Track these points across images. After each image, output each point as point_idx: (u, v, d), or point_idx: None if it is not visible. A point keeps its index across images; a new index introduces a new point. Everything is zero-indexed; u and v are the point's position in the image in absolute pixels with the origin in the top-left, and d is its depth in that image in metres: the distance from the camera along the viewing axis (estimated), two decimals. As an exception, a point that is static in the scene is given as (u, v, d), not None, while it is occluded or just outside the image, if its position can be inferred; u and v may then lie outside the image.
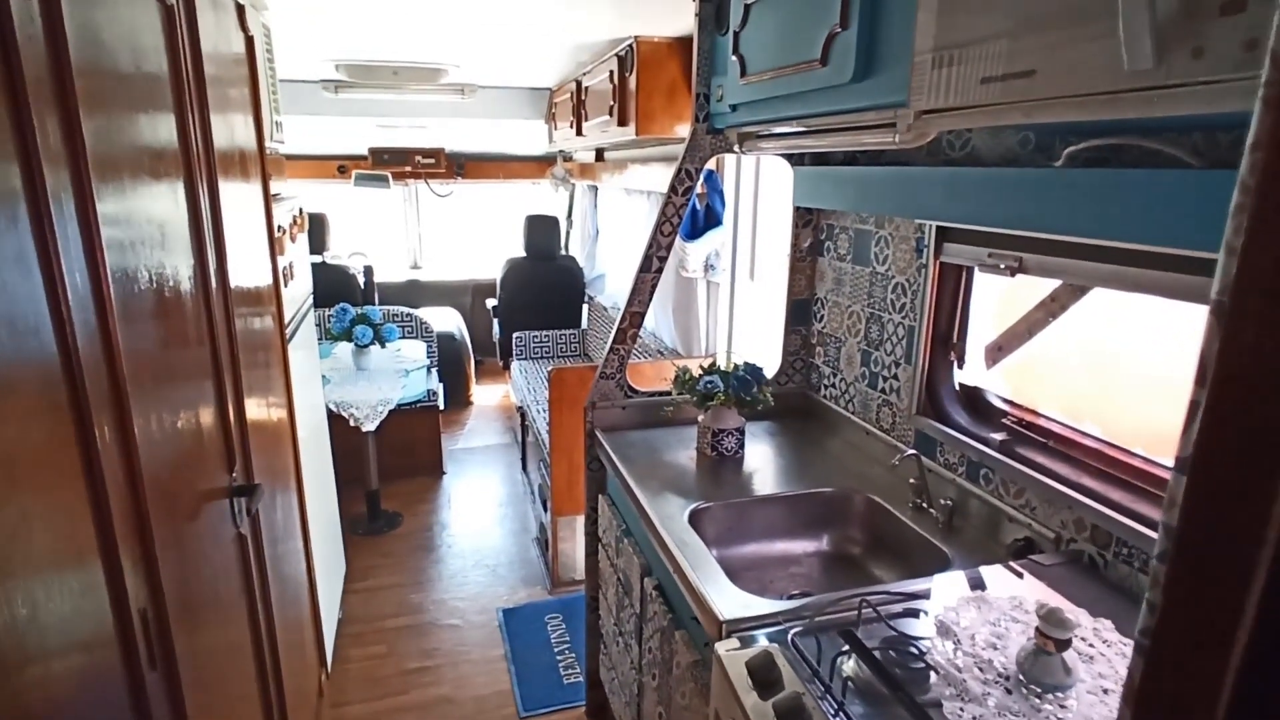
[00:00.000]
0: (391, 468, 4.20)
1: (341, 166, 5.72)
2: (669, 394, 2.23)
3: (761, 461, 2.06)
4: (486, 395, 6.04)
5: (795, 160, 2.13)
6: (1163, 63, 0.76)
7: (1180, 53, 0.75)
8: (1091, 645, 1.11)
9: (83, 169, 0.87)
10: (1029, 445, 1.55)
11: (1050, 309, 1.52)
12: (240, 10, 1.75)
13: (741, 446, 2.05)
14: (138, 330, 1.03)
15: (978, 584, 1.33)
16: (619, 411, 2.25)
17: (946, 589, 1.31)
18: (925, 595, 1.30)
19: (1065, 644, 1.00)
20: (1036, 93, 0.94)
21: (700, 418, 2.06)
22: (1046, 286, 1.51)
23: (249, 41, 1.81)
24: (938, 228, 1.71)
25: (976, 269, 1.67)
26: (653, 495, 1.80)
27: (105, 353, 0.91)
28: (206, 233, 1.33)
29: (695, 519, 1.72)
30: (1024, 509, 1.51)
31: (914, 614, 1.26)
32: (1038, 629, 1.01)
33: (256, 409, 1.71)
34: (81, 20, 0.90)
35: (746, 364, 2.05)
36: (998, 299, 1.72)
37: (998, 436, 1.60)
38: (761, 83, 1.71)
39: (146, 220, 1.07)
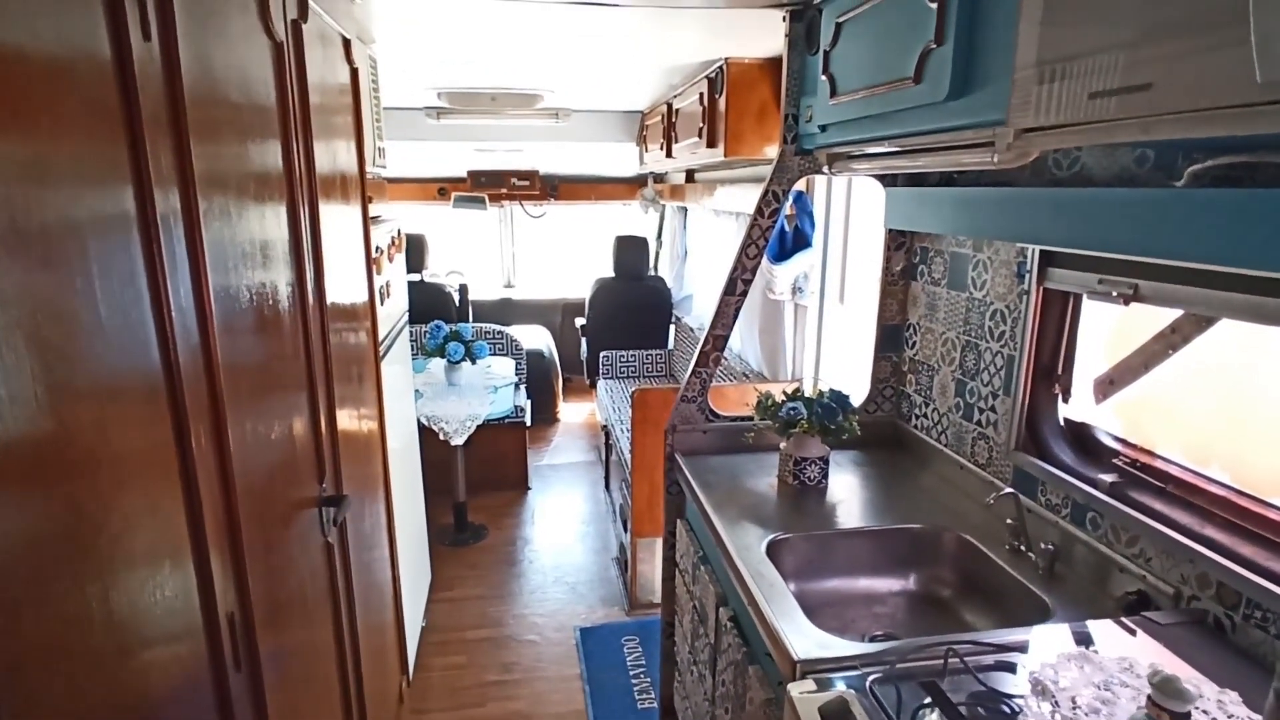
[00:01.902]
0: (479, 481, 4.30)
1: (442, 189, 5.97)
2: (751, 419, 2.18)
3: (846, 492, 1.98)
4: (573, 413, 6.12)
5: (888, 181, 2.06)
6: (1303, 72, 0.68)
7: (1325, 60, 0.66)
8: None
9: (191, 193, 0.92)
10: (1144, 489, 1.42)
11: (1170, 341, 1.39)
12: (346, 44, 1.85)
13: (825, 476, 1.98)
14: (237, 344, 1.08)
15: (1083, 639, 1.22)
16: (700, 435, 2.22)
17: (1046, 643, 1.21)
18: (1021, 648, 1.20)
19: (1183, 718, 0.89)
20: (1154, 108, 0.86)
21: (782, 445, 2.00)
22: (1166, 316, 1.38)
23: (354, 73, 1.91)
24: (1042, 252, 1.60)
25: (1085, 296, 1.55)
26: (730, 523, 1.76)
27: (205, 365, 0.97)
28: (306, 253, 1.40)
29: (773, 550, 1.66)
30: (1138, 559, 1.38)
31: (1007, 668, 1.17)
32: (1150, 697, 0.91)
33: (348, 422, 1.78)
34: (197, 56, 0.96)
35: (832, 391, 1.98)
36: (1109, 328, 1.60)
37: (1108, 478, 1.47)
38: (852, 102, 1.66)
39: (249, 241, 1.14)
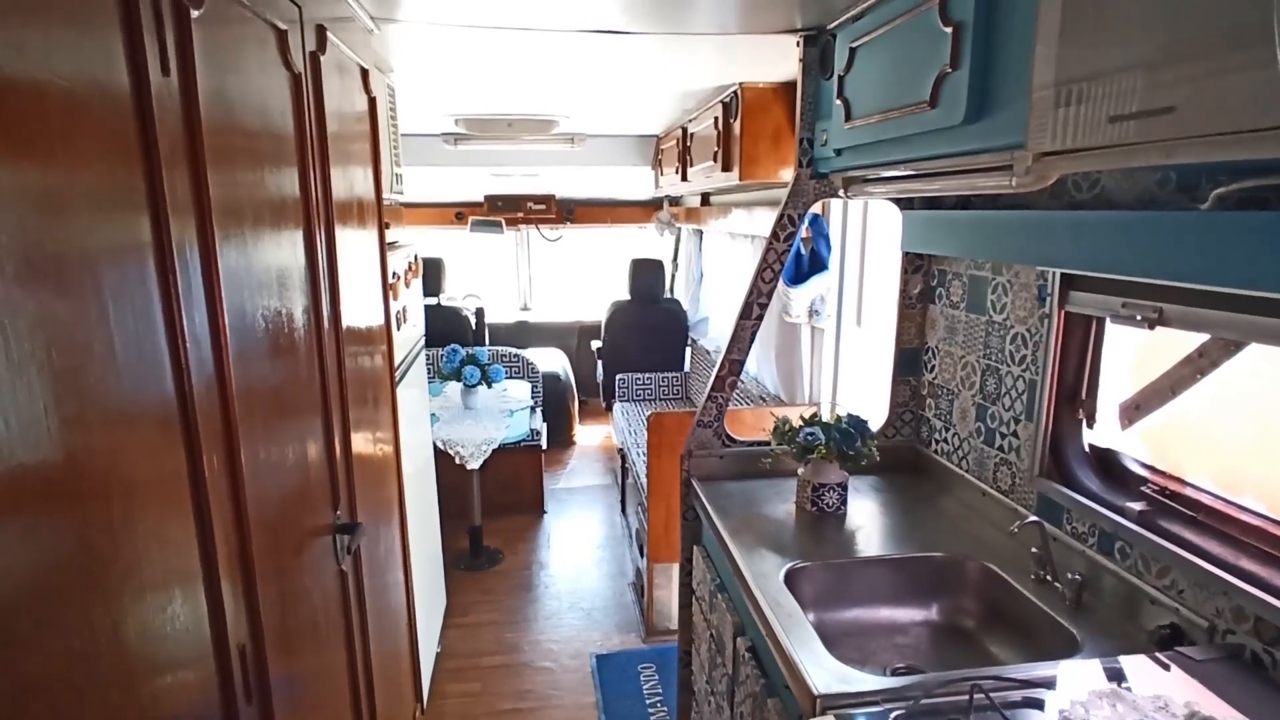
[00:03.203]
0: (494, 504, 4.29)
1: (459, 213, 6.03)
2: (768, 444, 2.15)
3: (865, 519, 1.94)
4: (589, 435, 6.10)
5: (904, 204, 2.04)
6: (1333, 94, 0.66)
7: (1356, 82, 0.65)
8: (1256, 762, 0.95)
9: (207, 222, 0.93)
10: (1174, 518, 1.38)
11: (1198, 365, 1.36)
12: (364, 74, 1.88)
13: (844, 502, 1.95)
14: (252, 372, 1.08)
15: (1115, 675, 1.18)
16: (716, 461, 2.19)
17: (1076, 678, 1.17)
18: (1050, 684, 1.16)
19: (1222, 760, 0.86)
20: (1177, 131, 0.84)
21: (800, 470, 1.98)
22: (1194, 339, 1.35)
23: (371, 102, 1.94)
24: (1063, 275, 1.58)
25: (1108, 320, 1.52)
26: (747, 550, 1.73)
27: (219, 394, 0.97)
28: (322, 280, 1.41)
29: (792, 578, 1.63)
30: (1169, 591, 1.34)
31: (1035, 705, 1.13)
32: (1187, 739, 0.87)
33: (363, 447, 1.78)
34: (215, 89, 0.98)
35: (850, 415, 1.95)
36: (1134, 352, 1.56)
37: (1136, 506, 1.43)
38: (867, 126, 1.66)
39: (264, 268, 1.14)
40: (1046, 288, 1.63)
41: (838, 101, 1.78)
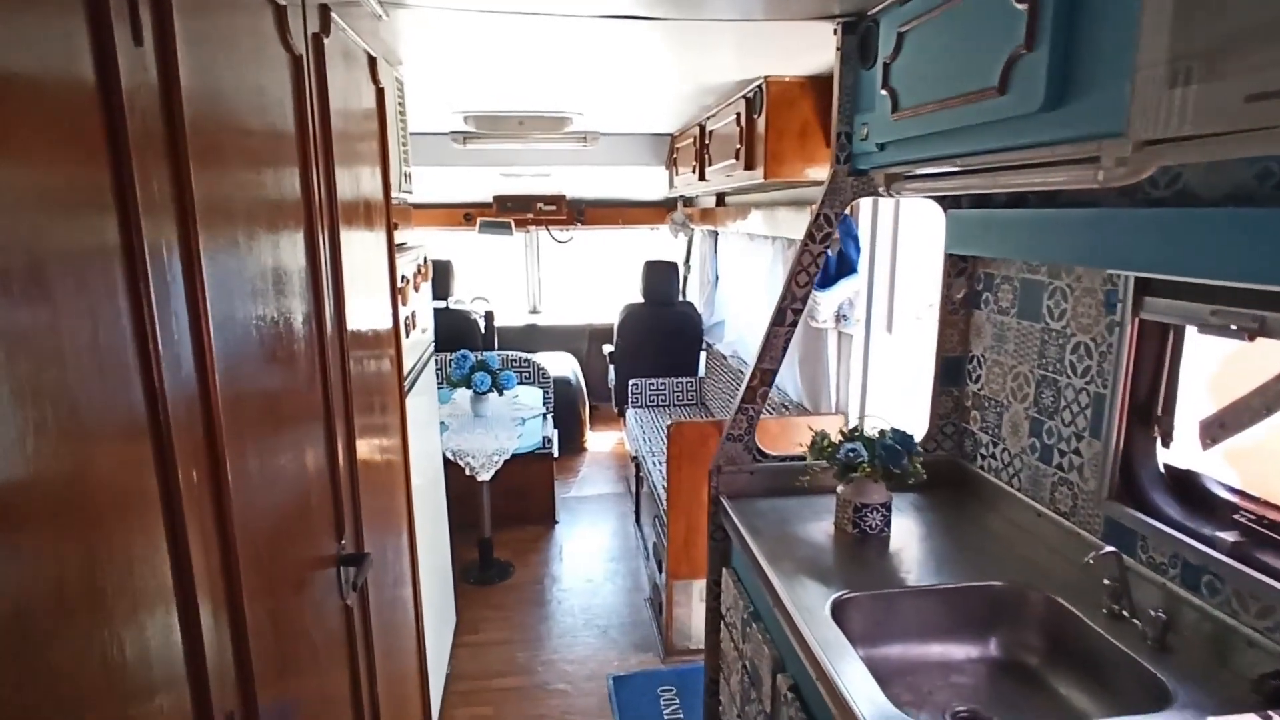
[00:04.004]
0: (504, 515, 4.16)
1: (468, 214, 5.91)
2: (802, 459, 2.02)
3: (910, 541, 1.80)
4: (601, 441, 5.97)
5: (949, 203, 1.90)
6: None
7: None
8: None
9: (190, 222, 0.80)
10: (1275, 550, 1.24)
11: (1301, 380, 1.22)
12: (372, 62, 1.75)
13: (887, 524, 1.81)
14: (243, 384, 0.95)
15: (1219, 734, 1.04)
16: (746, 477, 2.06)
17: (1178, 738, 1.03)
18: (1150, 745, 1.02)
19: None
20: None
21: (840, 489, 1.84)
22: (1293, 352, 1.21)
23: (379, 92, 1.81)
24: (1137, 279, 1.43)
25: (1195, 330, 1.38)
26: (788, 579, 1.59)
27: (203, 410, 0.83)
28: (325, 285, 1.28)
29: (838, 611, 1.49)
30: (1273, 633, 1.19)
31: (1138, 772, 0.99)
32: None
33: (371, 461, 1.65)
34: (199, 67, 0.85)
35: (894, 430, 1.81)
36: (1216, 364, 1.42)
37: (1228, 536, 1.28)
38: (918, 117, 1.52)
39: (259, 272, 1.02)
40: (1116, 293, 1.49)
41: (882, 92, 1.64)
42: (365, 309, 1.62)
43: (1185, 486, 1.45)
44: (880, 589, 1.57)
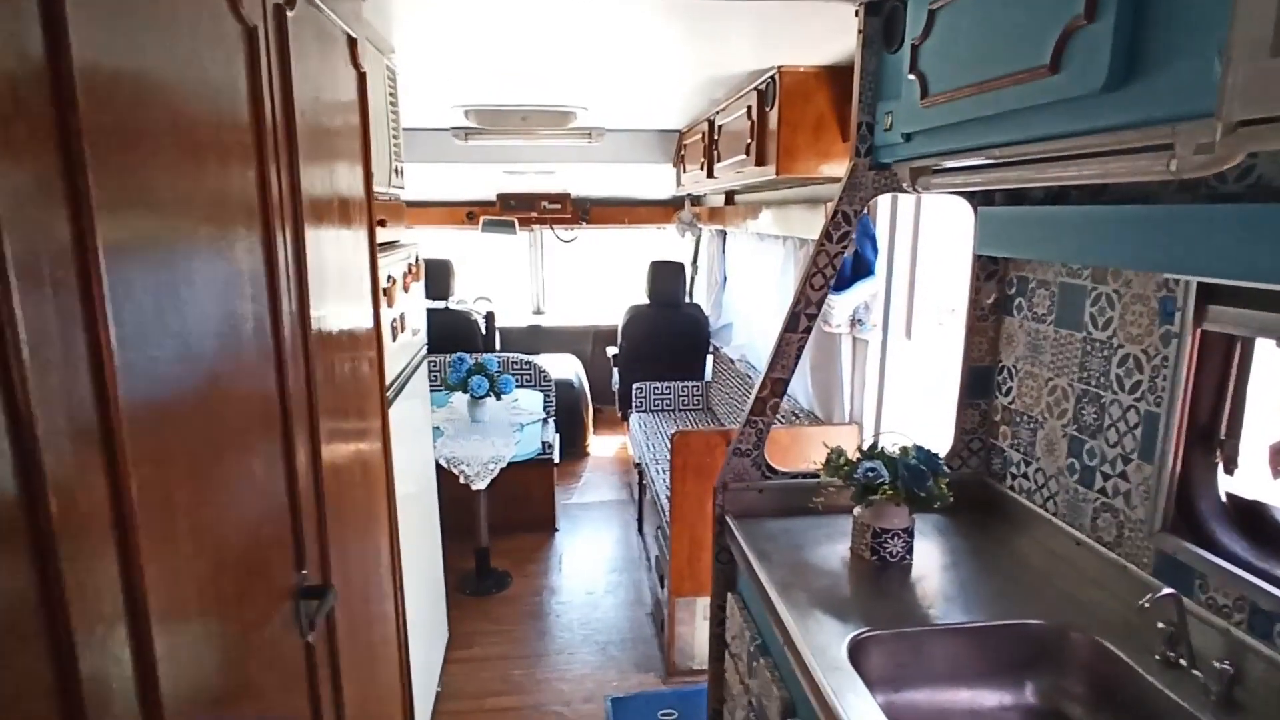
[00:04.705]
0: (502, 522, 4.01)
1: (470, 213, 5.78)
2: (815, 476, 1.87)
3: (934, 570, 1.65)
4: (603, 446, 5.82)
5: (980, 199, 1.75)
6: None
7: None
8: None
9: (85, 220, 0.66)
10: (1366, 600, 1.08)
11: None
12: (352, 44, 1.61)
13: (909, 550, 1.65)
14: (163, 405, 0.81)
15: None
16: (755, 495, 1.91)
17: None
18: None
19: None
20: None
21: (857, 511, 1.69)
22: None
23: (361, 78, 1.67)
24: (1200, 285, 1.28)
25: (1265, 343, 1.22)
26: (800, 614, 1.44)
27: (102, 432, 0.69)
28: (284, 287, 1.14)
29: (856, 651, 1.34)
30: (1365, 697, 1.04)
31: None
32: None
33: (344, 477, 1.51)
34: (109, 39, 0.70)
35: (918, 449, 1.66)
36: (1289, 382, 1.27)
37: (1308, 580, 1.13)
38: (952, 103, 1.37)
39: (192, 275, 0.87)
40: (1174, 300, 1.33)
41: (910, 77, 1.49)
42: (339, 311, 1.48)
43: (1252, 520, 1.29)
44: (903, 626, 1.42)
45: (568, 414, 5.23)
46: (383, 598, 1.89)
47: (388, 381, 2.01)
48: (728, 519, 1.89)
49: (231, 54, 1.00)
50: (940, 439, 1.98)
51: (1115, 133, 1.02)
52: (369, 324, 1.74)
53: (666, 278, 5.14)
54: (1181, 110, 0.90)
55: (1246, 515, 1.30)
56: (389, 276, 2.03)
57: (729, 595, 1.91)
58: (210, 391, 0.91)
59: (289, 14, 1.18)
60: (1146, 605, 1.22)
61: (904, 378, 2.68)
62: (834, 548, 1.73)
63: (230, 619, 0.96)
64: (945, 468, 1.67)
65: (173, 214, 0.84)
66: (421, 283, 2.62)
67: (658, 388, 4.92)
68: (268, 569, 1.09)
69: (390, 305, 2.05)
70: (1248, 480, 1.29)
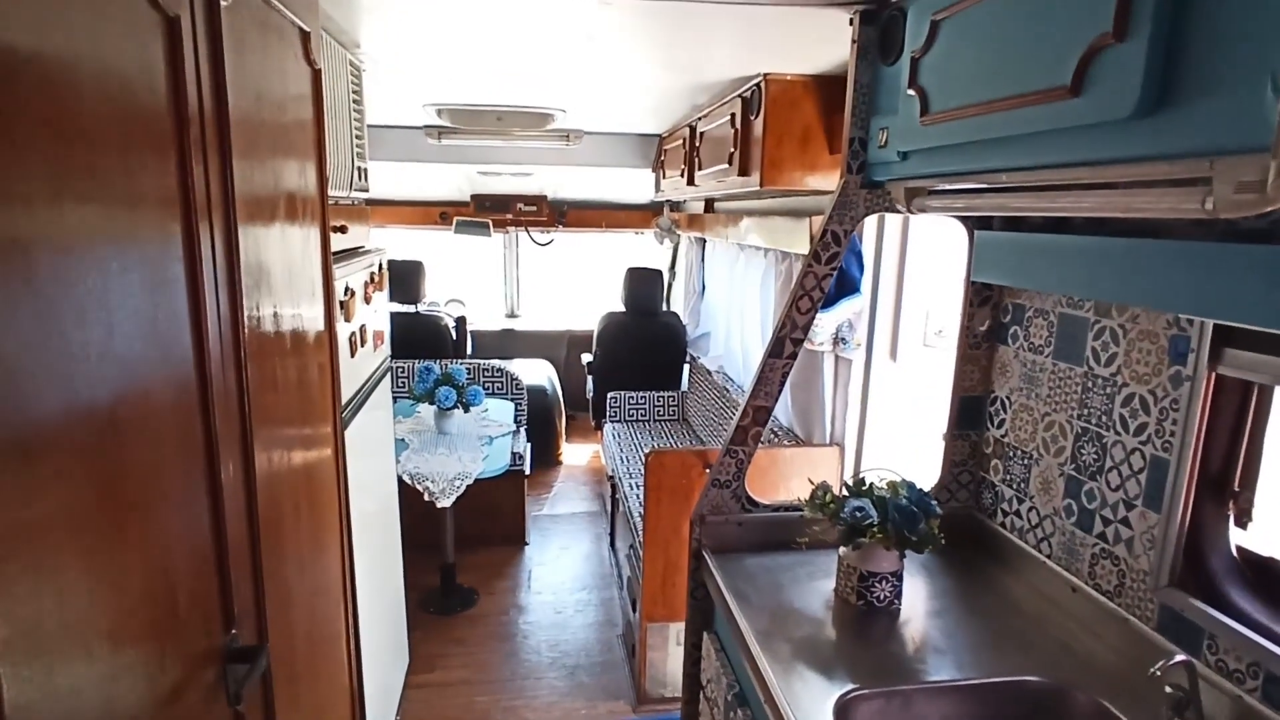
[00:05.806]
0: (470, 536, 3.87)
1: (444, 213, 5.61)
2: (798, 509, 1.76)
3: (924, 616, 1.55)
4: (576, 454, 5.69)
5: (979, 223, 1.66)
6: None
7: None
8: None
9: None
10: (1397, 677, 1.00)
11: None
12: (305, 38, 1.47)
13: (898, 595, 1.56)
14: (27, 433, 0.68)
15: None
16: (734, 529, 1.80)
17: None
18: None
19: None
20: None
21: (843, 551, 1.58)
22: None
23: (315, 75, 1.53)
24: (1216, 326, 1.19)
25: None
26: (783, 667, 1.34)
27: None
28: (208, 292, 1.00)
29: (844, 712, 1.24)
30: (1398, 786, 0.95)
31: None
32: None
33: (287, 505, 1.37)
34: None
35: (910, 487, 1.56)
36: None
37: (1331, 651, 1.04)
38: (954, 123, 1.27)
39: (78, 279, 0.74)
40: (1187, 340, 1.25)
41: (910, 91, 1.39)
42: (285, 313, 1.34)
43: (1266, 578, 1.21)
44: (892, 683, 1.32)
45: (540, 422, 5.09)
46: (332, 637, 1.75)
47: (346, 397, 1.87)
48: (705, 554, 1.78)
49: (146, 43, 0.87)
50: (925, 466, 1.89)
51: (1142, 164, 0.92)
52: (320, 326, 1.60)
53: (644, 285, 5.02)
54: (1222, 143, 0.81)
55: (1259, 573, 1.21)
56: (347, 288, 1.89)
57: (705, 635, 1.80)
58: (99, 410, 0.78)
59: (222, 4, 1.04)
60: (1157, 674, 1.12)
61: (888, 399, 2.59)
62: (817, 587, 1.63)
63: (127, 694, 0.82)
64: (938, 509, 1.57)
65: (61, 208, 0.71)
66: (386, 292, 2.48)
67: (633, 397, 4.80)
68: (184, 631, 0.95)
69: (349, 319, 1.91)
70: (1262, 535, 1.21)
